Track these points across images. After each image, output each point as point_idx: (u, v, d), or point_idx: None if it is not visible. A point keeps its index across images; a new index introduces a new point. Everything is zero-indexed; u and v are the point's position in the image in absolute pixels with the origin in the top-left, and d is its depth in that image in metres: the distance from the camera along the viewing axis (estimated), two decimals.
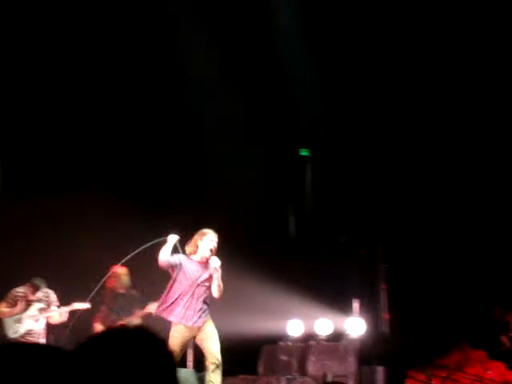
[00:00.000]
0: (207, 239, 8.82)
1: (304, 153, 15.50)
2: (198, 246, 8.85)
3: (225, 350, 8.98)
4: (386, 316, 13.11)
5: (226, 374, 9.33)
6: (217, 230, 8.95)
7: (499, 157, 14.99)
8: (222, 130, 14.07)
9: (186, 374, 10.07)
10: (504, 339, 13.97)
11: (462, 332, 13.47)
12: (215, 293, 8.78)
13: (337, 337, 12.55)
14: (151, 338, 2.28)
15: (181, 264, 8.74)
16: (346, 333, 12.52)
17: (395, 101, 14.61)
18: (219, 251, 8.87)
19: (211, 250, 8.79)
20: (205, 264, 8.82)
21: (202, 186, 14.11)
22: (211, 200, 13.49)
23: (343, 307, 12.84)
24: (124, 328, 2.40)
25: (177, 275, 8.69)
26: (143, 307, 10.39)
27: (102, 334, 2.31)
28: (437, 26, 13.88)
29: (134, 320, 10.32)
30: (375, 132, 14.87)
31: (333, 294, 13.00)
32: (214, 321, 8.98)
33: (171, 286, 8.71)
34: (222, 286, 8.79)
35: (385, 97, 14.63)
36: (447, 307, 14.19)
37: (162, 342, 2.31)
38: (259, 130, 14.78)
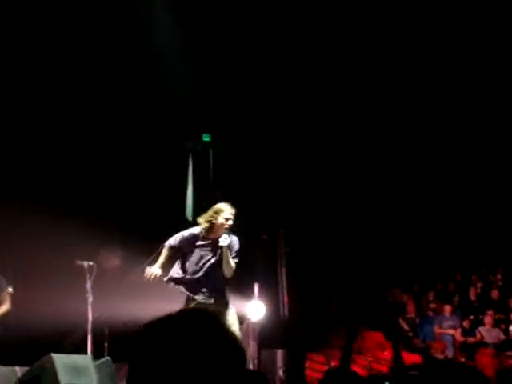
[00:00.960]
0: (222, 216, 8.22)
1: (206, 138, 15.45)
2: (212, 223, 8.24)
3: (120, 338, 8.86)
4: (285, 299, 13.22)
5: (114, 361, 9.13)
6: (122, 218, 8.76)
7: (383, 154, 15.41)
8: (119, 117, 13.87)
9: (85, 360, 9.88)
10: (401, 321, 14.32)
11: (359, 314, 13.72)
12: (225, 271, 8.34)
13: (239, 320, 12.56)
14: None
15: (192, 241, 8.29)
16: (247, 317, 12.56)
17: (295, 87, 14.71)
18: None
19: (225, 228, 8.22)
20: (216, 242, 8.24)
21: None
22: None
23: (245, 291, 12.86)
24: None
25: (187, 252, 8.29)
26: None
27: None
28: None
29: None
30: (275, 119, 14.96)
31: (234, 278, 13.01)
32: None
33: (182, 263, 8.36)
34: (231, 264, 8.31)
35: (287, 84, 14.71)
36: (345, 290, 14.44)
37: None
38: (159, 118, 14.63)
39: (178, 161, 14.73)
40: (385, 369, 12.32)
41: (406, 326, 14.31)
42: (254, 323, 12.36)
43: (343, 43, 14.16)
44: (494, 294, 14.52)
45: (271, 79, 14.47)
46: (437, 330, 14.00)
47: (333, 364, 12.38)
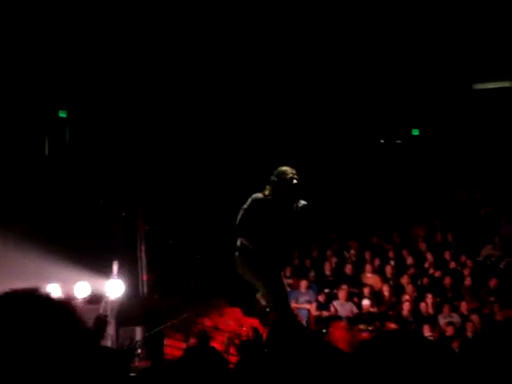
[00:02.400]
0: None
1: (63, 115, 15.15)
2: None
3: None
4: (145, 277, 13.20)
5: None
6: None
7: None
8: None
9: None
10: (259, 297, 14.52)
11: (219, 290, 13.86)
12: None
13: (96, 299, 12.45)
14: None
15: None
16: (106, 295, 12.45)
17: (150, 63, 14.58)
18: None
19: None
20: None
21: None
22: None
23: (103, 269, 12.74)
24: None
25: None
26: None
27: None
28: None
29: None
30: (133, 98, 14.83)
31: (93, 256, 12.86)
32: None
33: None
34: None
35: (143, 60, 14.57)
36: (203, 267, 14.56)
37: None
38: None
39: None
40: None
41: (262, 302, 14.52)
42: (112, 301, 12.27)
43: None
44: (348, 268, 14.99)
45: (126, 55, 14.26)
46: (293, 304, 14.29)
47: (191, 340, 12.44)
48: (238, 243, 7.51)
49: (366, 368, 2.38)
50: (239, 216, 7.48)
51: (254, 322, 13.50)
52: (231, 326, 13.04)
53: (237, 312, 13.52)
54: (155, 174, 14.81)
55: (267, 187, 7.52)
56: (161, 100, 15.03)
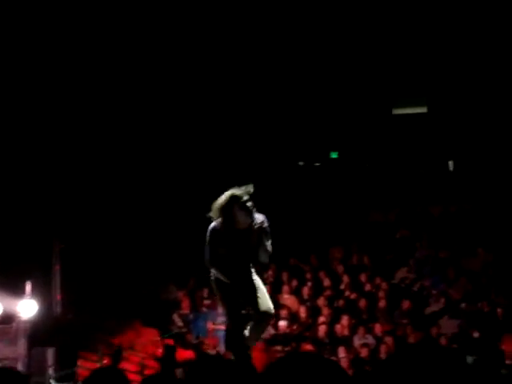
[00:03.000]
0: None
1: None
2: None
3: None
4: (58, 297, 12.97)
5: None
6: None
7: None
8: None
9: None
10: (176, 317, 14.44)
11: (135, 311, 13.71)
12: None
13: (7, 319, 12.17)
14: None
15: None
16: (18, 315, 12.19)
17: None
18: None
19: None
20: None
21: None
22: None
23: (16, 289, 12.47)
24: None
25: None
26: None
27: None
28: None
29: None
30: None
31: (5, 276, 12.58)
32: None
33: None
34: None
35: None
36: (120, 287, 14.38)
37: None
38: None
39: None
40: (157, 365, 12.38)
41: (179, 322, 14.46)
42: (25, 321, 12.02)
43: None
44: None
45: None
46: (210, 325, 14.25)
47: (105, 362, 12.26)
48: (211, 273, 7.43)
49: None
50: (205, 251, 7.33)
51: (170, 342, 13.44)
52: (147, 346, 12.93)
53: (153, 333, 13.40)
54: (71, 194, 14.59)
55: (219, 214, 7.23)
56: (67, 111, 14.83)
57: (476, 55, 16.44)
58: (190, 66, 15.19)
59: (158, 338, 13.28)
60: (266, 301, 7.32)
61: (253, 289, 7.29)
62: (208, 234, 7.22)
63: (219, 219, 7.17)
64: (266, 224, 7.21)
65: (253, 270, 7.37)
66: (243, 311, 7.37)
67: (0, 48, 13.14)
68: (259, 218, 7.20)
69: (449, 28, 16.07)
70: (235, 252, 7.22)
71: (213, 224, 7.21)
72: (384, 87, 17.52)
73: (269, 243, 7.20)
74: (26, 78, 13.92)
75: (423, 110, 18.16)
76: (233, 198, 7.09)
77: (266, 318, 7.41)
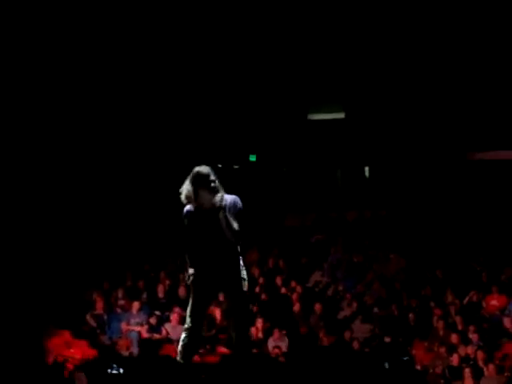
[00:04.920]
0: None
1: None
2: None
3: None
4: None
5: None
6: None
7: None
8: None
9: None
10: (89, 318, 14.24)
11: (48, 314, 13.48)
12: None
13: None
14: None
15: None
16: None
17: None
18: None
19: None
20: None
21: None
22: None
23: None
24: None
25: None
26: None
27: None
28: None
29: None
30: None
31: None
32: None
33: None
34: None
35: None
36: (32, 288, 14.12)
37: None
38: None
39: None
40: (71, 367, 12.20)
41: (93, 323, 14.25)
42: None
43: None
44: (181, 291, 14.95)
45: None
46: (124, 326, 14.11)
47: None
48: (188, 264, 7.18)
49: None
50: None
51: (83, 343, 13.24)
52: (60, 348, 12.72)
53: (66, 334, 13.18)
54: None
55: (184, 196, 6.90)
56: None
57: (393, 62, 16.75)
58: None
59: (72, 340, 13.08)
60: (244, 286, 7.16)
61: (238, 277, 6.95)
62: (183, 217, 6.91)
63: (189, 203, 6.84)
64: (238, 205, 6.81)
65: (238, 256, 7.01)
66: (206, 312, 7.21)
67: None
68: (228, 198, 6.82)
69: (365, 34, 16.31)
70: (207, 235, 6.88)
71: (186, 208, 6.88)
72: (300, 92, 17.69)
73: (236, 225, 6.75)
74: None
75: (340, 115, 18.40)
76: (196, 175, 6.78)
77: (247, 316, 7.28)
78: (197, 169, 6.80)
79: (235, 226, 6.75)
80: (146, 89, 15.76)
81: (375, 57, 16.68)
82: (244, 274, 7.00)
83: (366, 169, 18.96)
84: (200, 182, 6.73)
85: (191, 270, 6.92)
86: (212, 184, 6.71)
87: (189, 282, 7.05)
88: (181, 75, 15.76)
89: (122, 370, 8.79)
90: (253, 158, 18.37)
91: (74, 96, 15.07)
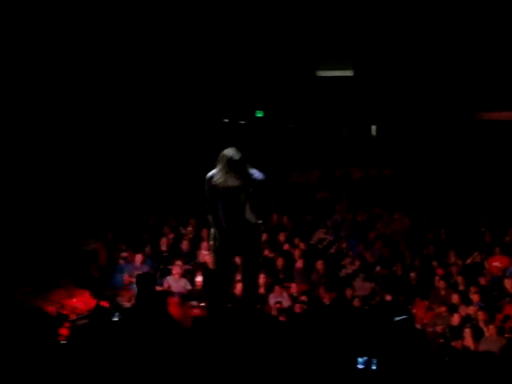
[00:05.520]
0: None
1: None
2: None
3: None
4: None
5: None
6: None
7: None
8: None
9: None
10: (92, 268, 14.31)
11: (63, 269, 13.56)
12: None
13: None
14: None
15: None
16: None
17: None
18: None
19: None
20: None
21: None
22: None
23: None
24: None
25: None
26: None
27: None
28: None
29: None
30: None
31: None
32: None
33: None
34: None
35: None
36: (39, 238, 14.18)
37: None
38: None
39: None
40: (73, 316, 12.25)
41: (96, 274, 14.33)
42: None
43: None
44: (184, 245, 15.00)
45: None
46: (126, 278, 14.16)
47: None
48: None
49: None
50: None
51: (85, 293, 13.31)
52: (60, 296, 12.77)
53: (67, 282, 13.24)
54: None
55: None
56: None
57: (402, 20, 16.56)
58: None
59: (74, 289, 13.15)
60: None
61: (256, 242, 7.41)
62: (205, 182, 7.33)
63: (216, 169, 7.28)
64: (259, 178, 7.26)
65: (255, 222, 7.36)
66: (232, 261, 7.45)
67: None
68: (254, 173, 7.27)
69: None
70: (226, 205, 7.26)
71: (209, 173, 7.32)
72: (309, 48, 17.54)
73: (256, 202, 7.23)
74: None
75: (349, 73, 18.25)
76: (222, 155, 7.27)
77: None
78: (224, 153, 7.24)
79: (256, 208, 7.16)
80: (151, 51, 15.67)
81: (385, 15, 16.50)
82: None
83: (373, 127, 18.86)
84: (228, 165, 7.15)
85: (213, 230, 7.35)
86: (238, 165, 7.15)
87: (211, 243, 7.28)
88: (188, 28, 15.62)
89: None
90: (259, 113, 18.27)
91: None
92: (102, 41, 14.85)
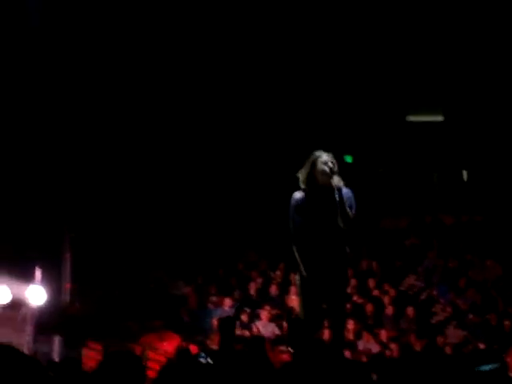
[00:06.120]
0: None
1: None
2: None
3: None
4: (67, 285, 13.00)
5: None
6: None
7: None
8: None
9: None
10: (182, 312, 14.47)
11: (155, 312, 13.76)
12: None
13: (15, 305, 12.20)
14: None
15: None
16: (26, 301, 12.21)
17: None
18: None
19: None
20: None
21: None
22: None
23: (25, 275, 12.50)
24: None
25: None
26: None
27: None
28: None
29: None
30: None
31: (15, 261, 12.60)
32: None
33: None
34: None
35: None
36: (129, 280, 14.43)
37: None
38: None
39: None
40: (163, 359, 12.38)
41: (186, 318, 14.47)
42: (33, 308, 12.05)
43: None
44: (273, 289, 15.02)
45: None
46: (216, 322, 14.25)
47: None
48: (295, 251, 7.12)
49: None
50: (289, 224, 7.09)
51: (176, 337, 13.44)
52: (151, 339, 12.93)
53: (176, 339, 13.36)
54: (83, 183, 14.62)
55: (301, 179, 7.09)
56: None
57: (493, 67, 16.43)
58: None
59: (164, 332, 13.30)
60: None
61: (343, 273, 7.01)
62: (291, 202, 7.08)
63: (301, 189, 7.06)
64: (349, 194, 6.98)
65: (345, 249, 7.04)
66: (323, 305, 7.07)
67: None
68: (345, 189, 6.97)
69: (468, 39, 16.06)
70: (317, 217, 6.96)
71: (296, 193, 7.09)
72: (400, 93, 17.53)
73: (349, 210, 6.89)
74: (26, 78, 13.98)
75: (439, 118, 18.13)
76: (313, 159, 7.02)
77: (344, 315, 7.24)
78: (314, 152, 7.05)
79: (350, 213, 6.84)
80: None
81: (475, 59, 16.41)
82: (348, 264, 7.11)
83: (464, 172, 18.62)
84: (316, 164, 6.95)
85: (302, 270, 6.93)
86: (329, 165, 6.89)
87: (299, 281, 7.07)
88: (280, 72, 15.83)
89: (210, 361, 8.79)
90: (349, 159, 18.28)
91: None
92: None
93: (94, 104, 14.90)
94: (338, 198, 6.84)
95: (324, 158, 7.01)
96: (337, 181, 6.91)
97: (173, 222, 15.97)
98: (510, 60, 16.10)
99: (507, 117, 17.03)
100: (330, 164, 6.94)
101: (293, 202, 7.04)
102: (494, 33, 15.79)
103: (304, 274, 6.93)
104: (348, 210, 6.87)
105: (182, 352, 8.26)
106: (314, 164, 7.02)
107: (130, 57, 14.80)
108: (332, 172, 6.92)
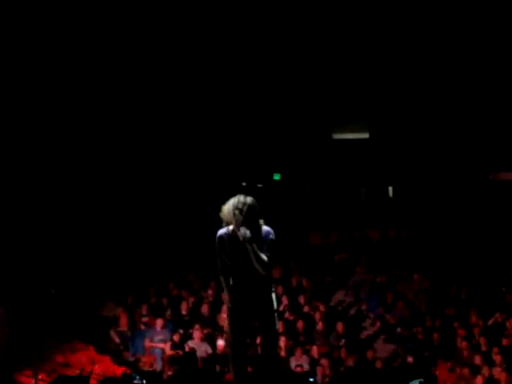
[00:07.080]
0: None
1: None
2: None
3: None
4: None
5: None
6: None
7: None
8: None
9: None
10: (113, 334, 14.35)
11: (73, 328, 13.60)
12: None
13: None
14: None
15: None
16: None
17: None
18: None
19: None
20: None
21: None
22: None
23: None
24: None
25: None
26: None
27: None
28: None
29: None
30: None
31: None
32: None
33: None
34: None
35: None
36: (58, 303, 14.24)
37: None
38: None
39: None
40: (94, 383, 12.27)
41: (117, 339, 14.35)
42: None
43: None
44: (204, 309, 15.02)
45: None
46: (147, 343, 14.19)
47: (40, 377, 12.10)
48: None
49: None
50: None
51: (107, 359, 13.35)
52: (83, 364, 12.80)
53: (90, 350, 13.29)
54: (10, 206, 14.37)
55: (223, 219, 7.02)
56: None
57: (417, 82, 16.75)
58: None
59: (96, 356, 13.19)
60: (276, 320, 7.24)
61: (269, 303, 7.05)
62: (216, 240, 7.02)
63: (226, 226, 6.94)
64: (270, 235, 6.87)
65: (270, 286, 7.06)
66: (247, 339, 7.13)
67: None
68: (264, 228, 6.89)
69: (390, 53, 16.32)
70: (238, 261, 6.97)
71: (219, 231, 7.00)
72: (325, 111, 17.73)
73: (264, 255, 6.82)
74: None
75: (365, 135, 18.40)
76: (251, 207, 6.88)
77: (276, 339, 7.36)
78: (251, 201, 6.85)
79: (264, 257, 6.80)
80: (170, 107, 15.89)
81: (400, 77, 16.70)
82: (274, 298, 7.04)
83: (390, 188, 18.96)
84: (252, 215, 6.77)
85: (227, 297, 6.97)
86: (236, 217, 6.72)
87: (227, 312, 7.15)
88: (205, 93, 15.86)
89: (144, 382, 8.84)
90: (277, 176, 18.41)
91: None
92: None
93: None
94: (249, 247, 6.80)
95: (231, 207, 6.87)
96: (243, 232, 6.81)
97: (102, 241, 15.83)
98: (435, 78, 16.44)
99: (431, 134, 17.41)
100: (236, 213, 6.83)
101: (217, 240, 7.01)
102: (418, 50, 16.11)
103: (229, 305, 7.03)
104: (262, 256, 6.84)
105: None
106: (249, 215, 6.85)
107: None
108: (239, 223, 6.81)
